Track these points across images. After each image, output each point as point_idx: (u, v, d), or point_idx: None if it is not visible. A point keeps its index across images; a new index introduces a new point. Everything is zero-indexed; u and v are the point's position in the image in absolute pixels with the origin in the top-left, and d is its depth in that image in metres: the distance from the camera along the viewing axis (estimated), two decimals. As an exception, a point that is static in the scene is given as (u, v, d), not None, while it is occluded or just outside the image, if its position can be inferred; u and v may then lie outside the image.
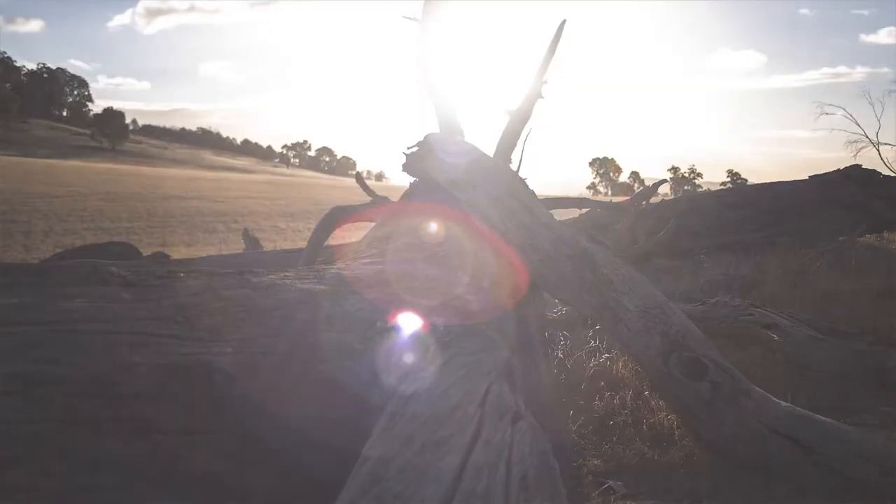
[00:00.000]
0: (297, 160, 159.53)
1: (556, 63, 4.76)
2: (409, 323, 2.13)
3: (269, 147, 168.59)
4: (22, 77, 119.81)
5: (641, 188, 11.74)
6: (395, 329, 2.10)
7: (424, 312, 2.19)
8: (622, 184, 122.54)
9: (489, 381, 1.76)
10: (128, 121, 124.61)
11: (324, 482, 1.67)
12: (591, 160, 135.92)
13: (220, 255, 9.25)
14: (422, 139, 4.03)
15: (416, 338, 2.04)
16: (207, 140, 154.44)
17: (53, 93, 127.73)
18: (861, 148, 13.80)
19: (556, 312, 4.65)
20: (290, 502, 1.63)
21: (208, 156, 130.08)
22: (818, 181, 8.77)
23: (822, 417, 2.36)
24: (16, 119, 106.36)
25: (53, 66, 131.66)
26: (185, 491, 1.43)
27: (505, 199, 3.26)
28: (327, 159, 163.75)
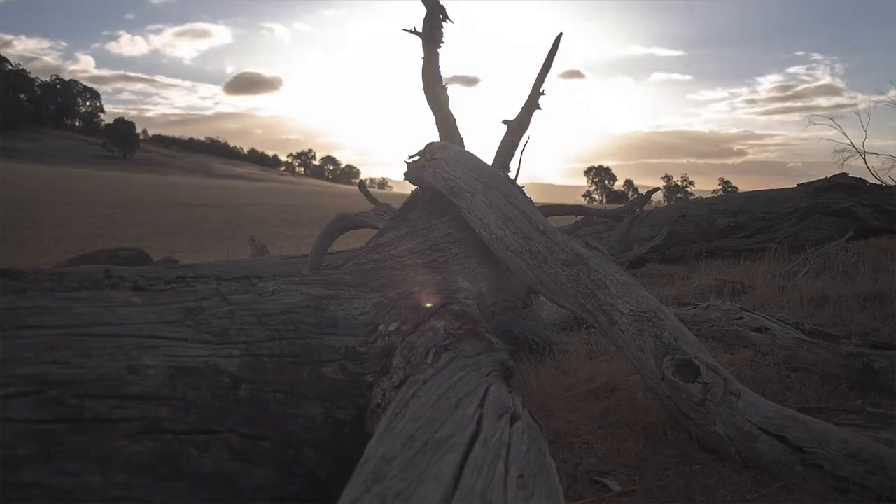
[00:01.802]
0: (303, 169, 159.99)
1: (553, 75, 4.78)
2: (410, 326, 2.14)
3: (275, 156, 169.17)
4: (36, 88, 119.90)
5: (635, 196, 11.77)
6: (396, 332, 2.10)
7: (425, 316, 2.20)
8: (617, 191, 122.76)
9: (488, 383, 1.77)
10: (138, 130, 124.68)
11: (328, 480, 1.68)
12: (586, 169, 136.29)
13: (228, 260, 9.25)
14: (423, 148, 4.05)
15: (418, 340, 2.05)
16: (215, 149, 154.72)
17: (66, 103, 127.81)
18: (848, 157, 13.80)
19: (552, 315, 4.65)
20: (296, 500, 1.63)
21: (216, 164, 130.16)
22: (806, 189, 8.78)
23: (810, 417, 2.36)
24: (30, 129, 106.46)
25: (67, 79, 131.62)
26: (194, 489, 1.43)
27: (503, 206, 3.26)
28: (331, 168, 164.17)
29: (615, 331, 2.76)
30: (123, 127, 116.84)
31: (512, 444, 1.41)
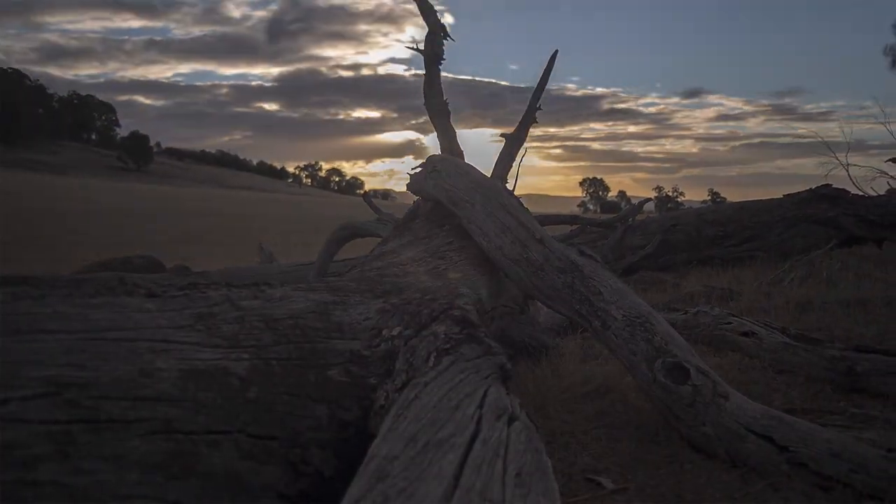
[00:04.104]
0: (309, 180, 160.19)
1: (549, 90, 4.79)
2: (412, 331, 2.14)
3: (283, 168, 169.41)
4: (54, 103, 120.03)
5: (628, 206, 11.78)
6: (399, 337, 2.10)
7: (427, 321, 2.19)
8: (610, 202, 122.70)
9: (487, 385, 1.77)
10: (152, 143, 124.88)
11: (333, 479, 1.67)
12: (581, 180, 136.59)
13: (237, 267, 9.23)
14: (425, 160, 4.06)
15: (419, 344, 2.05)
16: (226, 161, 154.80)
17: (83, 117, 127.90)
18: (832, 168, 13.82)
19: (548, 320, 4.64)
20: (302, 498, 1.63)
21: (226, 176, 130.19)
22: (792, 199, 8.79)
23: (796, 418, 2.36)
24: (48, 142, 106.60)
25: (83, 94, 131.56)
26: (205, 487, 1.43)
27: (501, 216, 3.27)
28: (337, 179, 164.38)
29: (609, 335, 2.76)
30: (138, 140, 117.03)
31: (510, 444, 1.41)
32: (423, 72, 4.69)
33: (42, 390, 1.30)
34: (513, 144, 4.67)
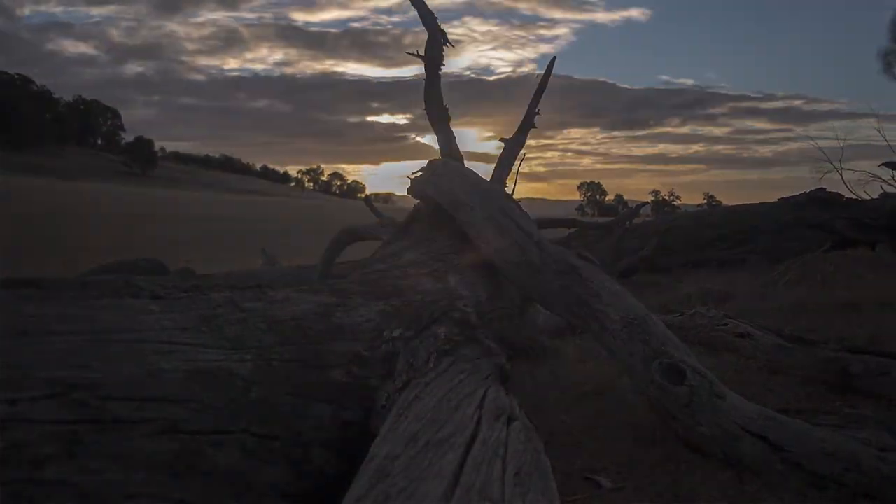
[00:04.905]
0: (311, 184, 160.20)
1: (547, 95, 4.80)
2: (413, 332, 2.14)
3: (286, 172, 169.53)
4: (60, 108, 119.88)
5: (625, 210, 11.78)
6: (400, 338, 2.11)
7: (427, 322, 2.20)
8: (608, 205, 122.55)
9: (486, 386, 1.77)
10: (156, 148, 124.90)
11: (335, 478, 1.67)
12: (579, 184, 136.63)
13: (241, 270, 9.22)
14: (425, 165, 4.07)
15: (420, 346, 2.05)
16: (229, 166, 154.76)
17: (89, 122, 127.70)
18: (826, 172, 13.81)
19: (547, 322, 4.64)
20: (305, 497, 1.63)
21: (230, 180, 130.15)
22: (786, 203, 8.80)
23: (791, 418, 2.36)
24: (54, 147, 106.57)
25: (89, 98, 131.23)
26: (210, 486, 1.43)
27: (500, 219, 3.27)
28: (339, 183, 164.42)
29: (606, 337, 2.76)
30: (143, 145, 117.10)
31: (509, 444, 1.41)
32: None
33: (49, 391, 1.30)
34: (512, 148, 4.68)
